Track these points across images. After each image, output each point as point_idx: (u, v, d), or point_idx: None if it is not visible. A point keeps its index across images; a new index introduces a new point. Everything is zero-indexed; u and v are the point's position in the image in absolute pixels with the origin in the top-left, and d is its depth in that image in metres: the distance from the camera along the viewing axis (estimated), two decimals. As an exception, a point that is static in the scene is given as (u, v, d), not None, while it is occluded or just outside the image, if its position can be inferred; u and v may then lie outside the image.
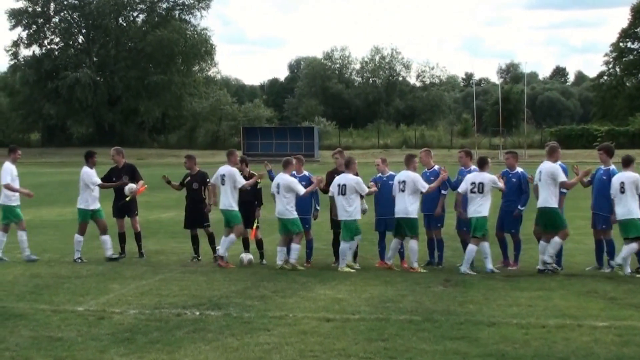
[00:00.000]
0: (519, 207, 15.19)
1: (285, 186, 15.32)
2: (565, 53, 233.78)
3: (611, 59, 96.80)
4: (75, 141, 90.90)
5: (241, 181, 15.76)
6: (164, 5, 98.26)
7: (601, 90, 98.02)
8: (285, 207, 15.36)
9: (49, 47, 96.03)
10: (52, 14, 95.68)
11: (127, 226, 17.27)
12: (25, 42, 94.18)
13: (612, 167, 15.02)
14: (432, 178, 15.60)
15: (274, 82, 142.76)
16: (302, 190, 15.40)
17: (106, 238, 16.60)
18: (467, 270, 14.68)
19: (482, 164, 15.12)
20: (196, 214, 16.53)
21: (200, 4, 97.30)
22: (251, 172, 16.44)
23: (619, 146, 64.15)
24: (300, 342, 9.77)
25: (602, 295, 12.67)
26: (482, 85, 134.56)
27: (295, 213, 15.42)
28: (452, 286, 13.43)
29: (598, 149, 15.57)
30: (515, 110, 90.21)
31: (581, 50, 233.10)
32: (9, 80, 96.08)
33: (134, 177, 17.06)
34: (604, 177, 14.86)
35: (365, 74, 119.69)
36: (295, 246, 15.31)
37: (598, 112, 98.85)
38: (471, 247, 14.78)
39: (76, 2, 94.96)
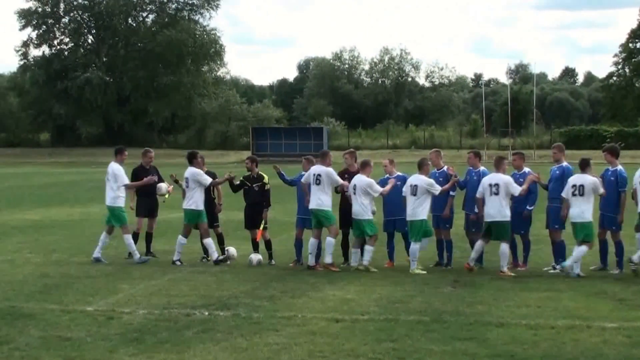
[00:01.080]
0: (528, 207, 15.11)
1: (362, 188, 15.14)
2: (575, 53, 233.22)
3: (620, 60, 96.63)
4: (85, 141, 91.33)
5: (339, 180, 15.42)
6: (173, 6, 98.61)
7: (610, 91, 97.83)
8: (361, 208, 15.14)
9: (58, 47, 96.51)
10: (61, 14, 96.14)
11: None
12: (35, 42, 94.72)
13: (620, 167, 14.96)
14: (441, 179, 15.58)
15: (283, 83, 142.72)
16: (379, 190, 15.27)
17: (209, 242, 16.00)
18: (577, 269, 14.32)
19: (584, 166, 14.49)
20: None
21: (209, 4, 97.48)
22: (260, 172, 16.40)
23: (629, 147, 64.34)
24: (309, 343, 9.77)
25: (611, 296, 12.64)
26: (491, 85, 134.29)
27: (371, 214, 15.27)
28: (461, 287, 13.41)
29: (603, 151, 15.50)
30: (524, 110, 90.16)
31: (590, 50, 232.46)
32: (18, 81, 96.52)
33: (160, 177, 17.06)
34: (612, 178, 14.82)
35: (374, 75, 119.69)
36: (369, 248, 15.22)
37: (607, 113, 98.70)
38: (584, 248, 14.33)
39: (86, 2, 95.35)
